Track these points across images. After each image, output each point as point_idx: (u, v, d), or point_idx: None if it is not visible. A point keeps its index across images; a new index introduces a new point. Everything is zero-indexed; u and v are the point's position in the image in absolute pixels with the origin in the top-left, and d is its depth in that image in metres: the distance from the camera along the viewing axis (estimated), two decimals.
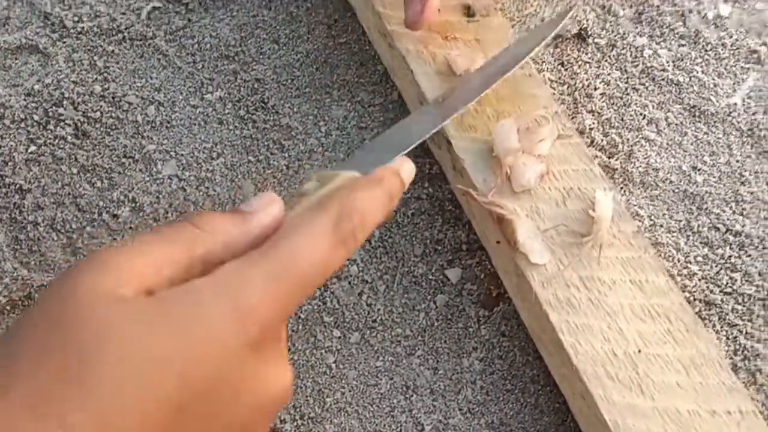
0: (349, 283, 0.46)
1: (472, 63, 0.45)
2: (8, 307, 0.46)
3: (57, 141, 0.50)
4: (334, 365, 0.44)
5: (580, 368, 0.37)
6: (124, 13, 0.54)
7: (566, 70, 0.51)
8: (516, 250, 0.40)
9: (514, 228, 0.40)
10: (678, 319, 0.39)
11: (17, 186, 0.49)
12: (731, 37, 0.51)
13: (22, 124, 0.51)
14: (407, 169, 0.34)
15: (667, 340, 0.38)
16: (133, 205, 0.48)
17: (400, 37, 0.47)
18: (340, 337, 0.45)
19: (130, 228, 0.48)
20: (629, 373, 0.37)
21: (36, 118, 0.51)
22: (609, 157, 0.48)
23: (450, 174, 0.46)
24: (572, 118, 0.49)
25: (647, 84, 0.50)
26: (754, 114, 0.49)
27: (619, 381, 0.37)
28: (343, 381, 0.44)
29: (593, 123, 0.49)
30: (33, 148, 0.50)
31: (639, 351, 0.38)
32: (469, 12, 0.48)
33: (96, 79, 0.52)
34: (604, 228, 0.40)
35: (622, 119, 0.49)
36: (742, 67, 0.50)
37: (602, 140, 0.48)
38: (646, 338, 0.38)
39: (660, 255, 0.45)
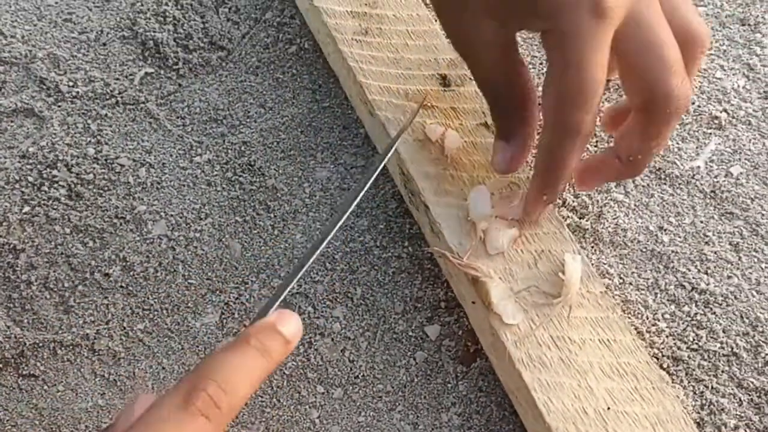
0: (332, 339, 0.48)
1: (445, 130, 0.47)
2: (1, 365, 0.47)
3: (51, 202, 0.52)
4: (317, 420, 0.46)
5: (552, 426, 0.39)
6: (117, 79, 0.57)
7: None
8: (490, 310, 0.42)
9: (488, 289, 0.42)
10: (644, 377, 0.41)
11: (11, 246, 0.51)
12: (694, 104, 0.54)
13: (17, 186, 0.52)
14: (292, 324, 0.33)
15: (635, 397, 0.40)
16: (124, 264, 0.50)
17: (380, 106, 0.50)
18: (323, 393, 0.46)
19: (121, 287, 0.49)
20: (599, 430, 0.39)
21: (30, 179, 0.53)
22: (580, 218, 0.50)
23: (428, 236, 0.48)
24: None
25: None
26: (716, 177, 0.51)
27: None
28: None
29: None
30: (27, 208, 0.52)
31: (608, 408, 0.40)
32: (445, 81, 0.51)
33: (89, 141, 0.54)
34: (573, 290, 0.42)
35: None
36: (704, 132, 0.53)
37: (573, 201, 0.51)
38: (615, 396, 0.40)
39: (629, 312, 0.47)
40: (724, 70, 0.55)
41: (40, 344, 0.48)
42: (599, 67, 0.37)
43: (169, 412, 0.28)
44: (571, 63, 0.36)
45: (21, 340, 0.48)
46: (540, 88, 0.40)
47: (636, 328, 0.47)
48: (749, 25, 0.57)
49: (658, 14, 0.38)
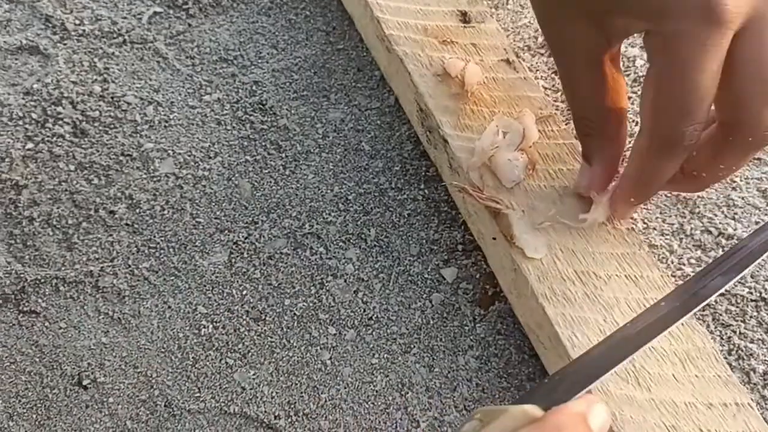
0: (345, 281, 0.46)
1: (466, 65, 0.46)
2: (1, 301, 0.45)
3: (55, 139, 0.50)
4: (329, 362, 0.44)
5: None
6: (125, 17, 0.55)
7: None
8: (512, 244, 0.41)
9: (510, 222, 0.41)
10: None
11: (13, 182, 0.49)
12: None
13: (20, 122, 0.51)
14: (598, 414, 0.27)
15: (663, 333, 0.39)
16: (130, 202, 0.48)
17: (397, 41, 0.48)
18: (335, 334, 0.45)
19: (126, 224, 0.48)
20: (626, 365, 0.37)
21: (34, 116, 0.51)
22: None
23: (446, 173, 0.46)
24: (567, 123, 0.49)
25: (639, 92, 0.51)
26: None
27: (616, 373, 0.37)
28: (339, 378, 0.43)
29: None
30: (30, 145, 0.50)
31: None
32: (465, 18, 0.49)
33: (95, 79, 0.52)
34: (601, 209, 0.40)
35: None
36: None
37: None
38: None
39: (655, 256, 0.45)
40: None
41: (42, 280, 0.46)
42: (708, 76, 0.33)
43: None
44: (676, 68, 0.33)
45: (22, 276, 0.46)
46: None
47: (661, 273, 0.45)
48: None
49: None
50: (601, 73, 0.37)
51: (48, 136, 0.50)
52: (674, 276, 0.45)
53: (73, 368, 0.44)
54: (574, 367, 0.31)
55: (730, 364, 0.42)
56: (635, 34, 0.38)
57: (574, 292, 0.39)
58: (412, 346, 0.44)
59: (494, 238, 0.42)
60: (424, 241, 0.47)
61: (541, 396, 0.28)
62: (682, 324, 0.39)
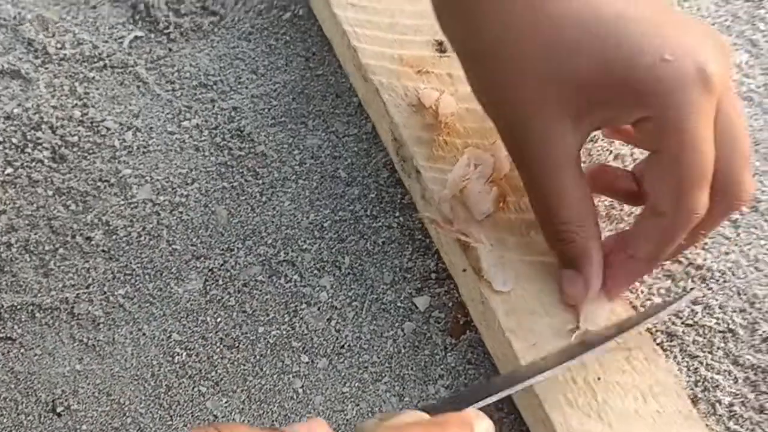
0: (318, 308, 0.47)
1: (440, 95, 0.46)
2: None
3: (34, 164, 0.51)
4: (301, 390, 0.44)
5: (541, 395, 0.38)
6: (106, 41, 0.56)
7: None
8: (481, 277, 0.41)
9: (479, 256, 0.41)
10: (638, 348, 0.40)
11: None
12: None
13: (0, 147, 0.51)
14: (484, 424, 0.31)
15: (627, 368, 0.39)
16: (107, 228, 0.49)
17: (374, 70, 0.48)
18: (308, 363, 0.45)
19: (103, 251, 0.48)
20: (589, 400, 0.38)
21: (14, 141, 0.51)
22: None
23: (419, 203, 0.47)
24: None
25: None
26: None
27: (579, 408, 0.38)
28: (310, 406, 0.44)
29: None
30: (9, 170, 0.50)
31: (599, 378, 0.39)
32: (441, 47, 0.49)
33: (76, 104, 0.53)
34: (594, 311, 0.41)
35: (589, 154, 0.50)
36: None
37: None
38: (606, 366, 0.39)
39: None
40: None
41: (18, 307, 0.46)
42: (711, 144, 0.35)
43: None
44: (688, 144, 0.34)
45: None
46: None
47: (630, 303, 0.45)
48: (753, 0, 0.56)
49: (738, 102, 0.37)
50: (579, 172, 0.38)
51: (27, 162, 0.51)
52: (643, 306, 0.45)
53: (48, 395, 0.44)
54: (474, 387, 0.35)
55: (696, 396, 0.43)
56: None
57: (540, 325, 0.40)
58: (383, 374, 0.45)
59: (464, 270, 0.43)
60: (397, 269, 0.48)
61: (441, 408, 0.33)
62: (646, 359, 0.39)
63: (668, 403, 0.38)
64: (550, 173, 0.37)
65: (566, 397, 0.38)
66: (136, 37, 0.56)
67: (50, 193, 0.50)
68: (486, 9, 0.36)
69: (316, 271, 0.48)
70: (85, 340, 0.46)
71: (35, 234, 0.49)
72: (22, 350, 0.45)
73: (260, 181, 0.50)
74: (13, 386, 0.44)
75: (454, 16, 0.38)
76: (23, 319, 0.46)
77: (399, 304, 0.47)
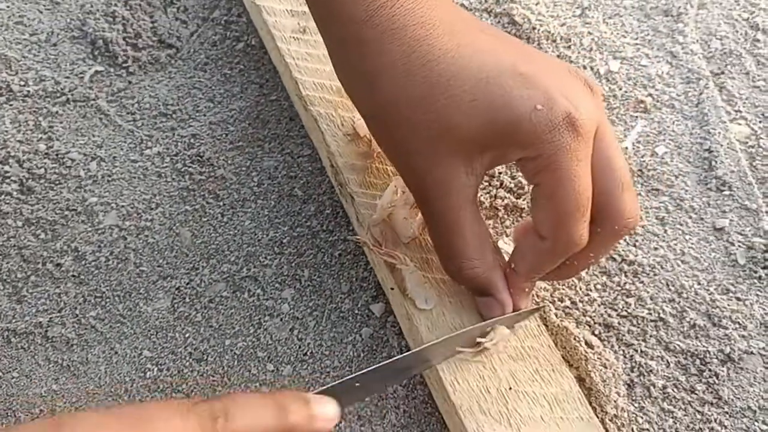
0: (281, 320, 0.49)
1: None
2: None
3: (2, 196, 0.53)
4: None
5: (457, 403, 0.42)
6: (68, 77, 0.58)
7: None
8: (406, 296, 0.45)
9: (403, 276, 0.45)
10: (546, 360, 0.44)
11: None
12: (621, 89, 0.57)
13: None
14: (327, 406, 0.35)
15: (536, 378, 0.43)
16: (76, 254, 0.51)
17: (313, 101, 0.52)
18: (273, 371, 0.48)
19: (73, 276, 0.51)
20: (500, 408, 0.42)
21: None
22: (516, 198, 0.53)
23: (355, 225, 0.50)
24: None
25: None
26: (642, 157, 0.55)
27: (491, 416, 0.41)
28: None
29: (502, 168, 0.54)
30: None
31: (510, 388, 0.42)
32: None
33: (41, 138, 0.55)
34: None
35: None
36: (631, 115, 0.56)
37: (510, 182, 0.53)
38: (517, 377, 0.43)
39: (563, 284, 0.50)
40: (649, 58, 0.59)
41: None
42: (587, 179, 0.39)
43: (173, 405, 0.31)
44: (562, 180, 0.38)
45: None
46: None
47: (570, 299, 0.49)
48: (672, 15, 0.61)
49: (612, 133, 0.41)
50: (475, 209, 0.41)
51: None
52: (582, 301, 0.49)
53: (26, 416, 0.46)
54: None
55: (632, 380, 0.47)
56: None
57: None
58: (344, 377, 0.48)
59: (392, 288, 0.46)
60: (354, 278, 0.51)
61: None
62: (553, 371, 0.43)
63: (571, 409, 0.42)
64: (448, 215, 0.41)
65: (480, 406, 0.42)
66: (96, 72, 0.59)
67: (20, 223, 0.52)
68: (381, 72, 0.39)
69: (277, 285, 0.51)
70: (60, 361, 0.48)
71: (7, 263, 0.51)
72: (0, 374, 0.48)
73: (221, 203, 0.53)
74: None
75: (352, 78, 0.42)
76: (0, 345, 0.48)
77: (356, 312, 0.50)
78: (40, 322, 0.49)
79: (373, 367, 0.40)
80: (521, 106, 0.37)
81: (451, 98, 0.38)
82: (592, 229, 0.41)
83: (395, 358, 0.42)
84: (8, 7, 0.62)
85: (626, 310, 0.49)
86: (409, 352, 0.42)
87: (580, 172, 0.38)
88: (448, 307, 0.45)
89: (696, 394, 0.46)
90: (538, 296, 0.49)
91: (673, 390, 0.47)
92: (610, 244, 0.42)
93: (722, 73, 0.58)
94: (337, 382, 0.38)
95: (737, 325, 0.48)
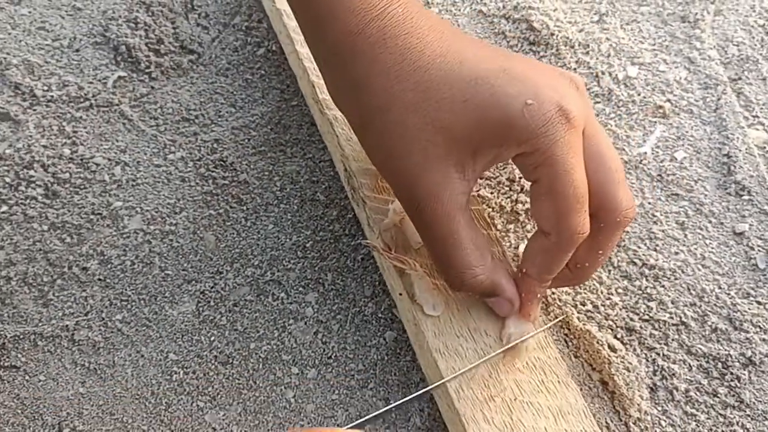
0: (305, 323, 0.50)
1: None
2: None
3: (28, 201, 0.53)
4: (293, 400, 0.48)
5: (461, 411, 0.42)
6: (91, 82, 0.59)
7: None
8: (413, 302, 0.45)
9: (412, 282, 0.45)
10: (552, 372, 0.44)
11: None
12: (639, 94, 0.58)
13: None
14: None
15: (541, 389, 0.43)
16: (102, 258, 0.52)
17: (329, 105, 0.52)
18: (298, 374, 0.48)
19: (99, 280, 0.51)
20: (504, 417, 0.42)
21: (7, 180, 0.54)
22: None
23: (366, 229, 0.51)
24: (503, 168, 0.54)
25: None
26: (662, 161, 0.55)
27: (495, 425, 0.42)
28: (302, 414, 0.47)
29: None
30: (5, 208, 0.53)
31: (515, 399, 0.43)
32: None
33: (65, 143, 0.56)
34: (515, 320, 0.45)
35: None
36: (650, 120, 0.57)
37: (528, 185, 0.54)
38: (522, 387, 0.43)
39: (585, 288, 0.50)
40: (667, 64, 0.59)
41: (21, 336, 0.49)
42: (582, 170, 0.40)
43: None
44: (560, 172, 0.39)
45: (1, 333, 0.49)
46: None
47: (591, 302, 0.50)
48: (689, 22, 0.61)
49: (601, 129, 0.42)
50: (469, 217, 0.42)
51: (21, 199, 0.53)
52: (604, 305, 0.50)
53: (54, 418, 0.47)
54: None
55: (655, 384, 0.47)
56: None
57: (465, 347, 0.44)
58: (369, 381, 0.48)
59: (400, 294, 0.47)
60: (377, 282, 0.51)
61: None
62: (559, 382, 0.44)
63: (575, 422, 0.43)
64: (442, 223, 0.41)
65: (484, 414, 0.42)
66: (119, 77, 0.59)
67: (45, 227, 0.53)
68: (372, 79, 0.40)
69: (301, 289, 0.51)
70: (86, 364, 0.48)
71: (33, 267, 0.51)
72: (27, 377, 0.48)
73: (244, 207, 0.54)
74: (20, 411, 0.47)
75: (343, 89, 0.42)
76: (26, 348, 0.49)
77: (380, 315, 0.50)
78: (67, 326, 0.49)
79: (400, 401, 0.41)
80: (512, 102, 0.38)
81: (442, 101, 0.39)
82: (595, 225, 0.41)
83: (425, 390, 0.43)
84: (30, 12, 0.63)
85: (648, 314, 0.49)
86: (432, 386, 0.44)
87: (575, 163, 0.39)
88: (455, 314, 0.45)
89: (718, 397, 0.47)
90: (560, 300, 0.50)
91: (695, 393, 0.47)
92: (614, 237, 0.43)
93: (739, 78, 0.59)
94: (364, 419, 0.41)
95: (758, 329, 0.49)
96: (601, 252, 0.43)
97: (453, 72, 0.39)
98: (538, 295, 0.44)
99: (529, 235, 0.52)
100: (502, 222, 0.51)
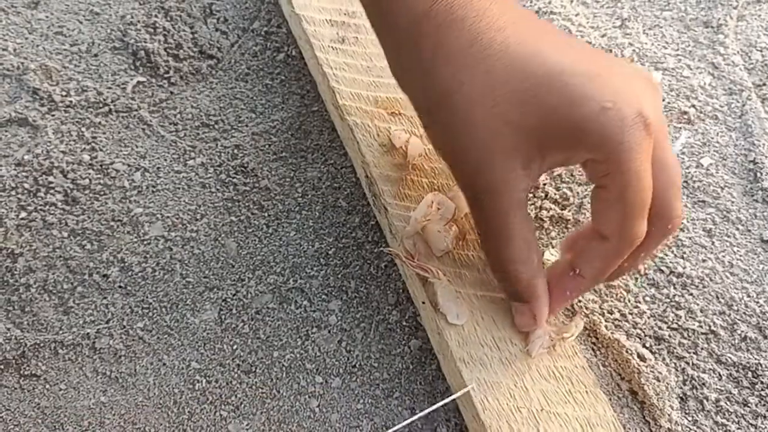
0: (329, 331, 0.49)
1: (410, 137, 0.49)
2: (2, 366, 0.48)
3: (47, 207, 0.53)
4: (317, 409, 0.47)
5: (486, 423, 0.41)
6: (110, 88, 0.58)
7: None
8: (437, 310, 0.44)
9: (435, 290, 0.44)
10: (579, 381, 0.43)
11: (9, 250, 0.51)
12: (664, 100, 0.57)
13: (13, 192, 0.53)
14: None
15: (568, 400, 0.42)
16: (122, 265, 0.51)
17: (350, 111, 0.52)
18: (322, 383, 0.48)
19: (120, 287, 0.50)
20: (530, 429, 0.41)
21: (26, 186, 0.54)
22: (561, 209, 0.52)
23: (388, 237, 0.50)
24: None
25: None
26: (687, 168, 0.54)
27: None
28: (327, 424, 0.46)
29: (546, 179, 0.54)
30: (24, 214, 0.53)
31: (542, 409, 0.42)
32: None
33: (84, 148, 0.55)
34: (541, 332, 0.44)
35: (572, 175, 0.54)
36: (674, 126, 0.56)
37: (555, 194, 0.53)
38: (549, 397, 0.42)
39: (612, 296, 0.49)
40: (691, 69, 0.59)
41: (41, 345, 0.48)
42: (650, 177, 0.38)
43: None
44: (632, 182, 0.37)
45: (21, 341, 0.48)
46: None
47: (619, 311, 0.49)
48: (712, 27, 0.61)
49: (667, 131, 0.40)
50: (525, 213, 0.41)
51: (41, 205, 0.53)
52: (631, 314, 0.49)
53: (75, 428, 0.46)
54: None
55: (684, 394, 0.47)
56: None
57: (491, 357, 0.43)
58: (394, 390, 0.47)
59: (423, 302, 0.46)
60: (400, 290, 0.51)
61: None
62: (587, 392, 0.43)
63: None
64: (499, 217, 0.40)
65: (510, 426, 0.41)
66: (139, 83, 0.59)
67: (65, 234, 0.52)
68: (439, 63, 0.38)
69: (324, 296, 0.50)
70: (108, 373, 0.48)
71: (53, 274, 0.51)
72: (48, 386, 0.47)
73: (266, 214, 0.53)
74: (40, 421, 0.46)
75: (409, 72, 0.41)
76: (47, 356, 0.48)
77: (404, 323, 0.50)
78: (88, 334, 0.49)
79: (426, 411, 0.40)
80: (588, 105, 0.36)
81: (510, 94, 0.37)
82: (648, 229, 0.40)
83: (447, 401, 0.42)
84: (47, 17, 0.62)
85: (676, 323, 0.49)
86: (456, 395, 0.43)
87: (647, 171, 0.38)
88: (480, 323, 0.44)
89: (749, 407, 0.46)
90: (587, 308, 0.49)
91: (726, 403, 0.46)
92: (660, 243, 0.42)
93: (764, 84, 0.58)
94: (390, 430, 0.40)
95: None
96: (644, 255, 0.42)
97: (526, 64, 0.37)
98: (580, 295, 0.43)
99: (555, 242, 0.51)
100: None
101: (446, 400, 0.42)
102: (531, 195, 0.53)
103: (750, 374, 0.47)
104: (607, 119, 0.36)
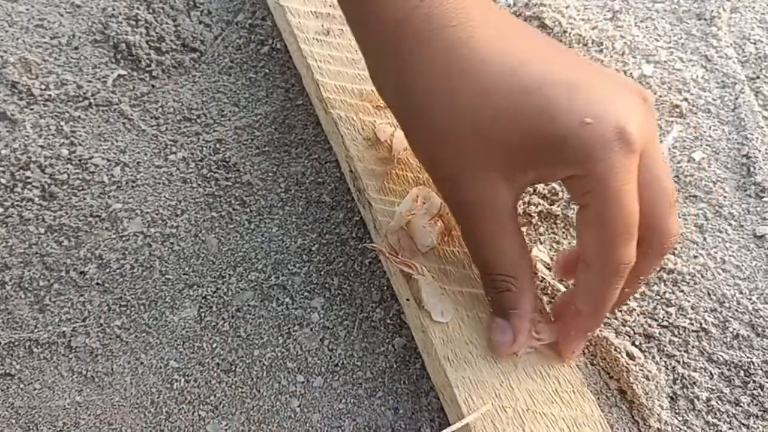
0: (311, 329, 0.48)
1: (395, 131, 0.48)
2: None
3: (24, 203, 0.52)
4: (298, 409, 0.46)
5: (471, 423, 0.40)
6: (90, 81, 0.57)
7: None
8: (421, 307, 0.43)
9: (419, 287, 0.43)
10: (566, 381, 0.42)
11: None
12: (655, 93, 0.56)
13: None
14: None
15: (555, 399, 0.41)
16: (100, 261, 0.50)
17: (334, 104, 0.50)
18: (303, 382, 0.47)
19: (97, 284, 0.49)
20: (516, 429, 0.40)
21: (3, 181, 0.52)
22: (550, 204, 0.51)
23: (372, 232, 0.49)
24: None
25: None
26: (679, 162, 0.53)
27: None
28: (308, 424, 0.45)
29: None
30: (0, 210, 0.51)
31: (527, 409, 0.41)
32: None
33: (63, 143, 0.54)
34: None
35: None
36: (666, 120, 0.55)
37: (544, 189, 0.52)
38: (535, 397, 0.41)
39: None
40: (683, 62, 0.58)
41: (15, 343, 0.47)
42: (635, 197, 0.36)
43: None
44: (612, 201, 0.35)
45: None
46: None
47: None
48: (705, 19, 0.60)
49: (659, 147, 0.38)
50: (514, 225, 0.39)
51: (17, 201, 0.52)
52: (621, 311, 0.48)
53: (49, 428, 0.45)
54: None
55: (675, 393, 0.45)
56: None
57: (475, 355, 0.42)
58: (377, 389, 0.46)
59: (408, 299, 0.45)
60: (385, 287, 0.50)
61: None
62: (574, 392, 0.41)
63: None
64: (483, 227, 0.39)
65: (495, 426, 0.40)
66: (119, 76, 0.57)
67: (42, 230, 0.51)
68: (419, 70, 0.37)
69: (306, 294, 0.49)
70: (83, 372, 0.47)
71: (29, 271, 0.49)
72: (22, 385, 0.46)
73: (248, 210, 0.52)
74: (14, 421, 0.45)
75: (388, 76, 0.39)
76: (21, 355, 0.47)
77: (388, 321, 0.48)
78: (64, 332, 0.48)
79: None
80: (568, 119, 0.35)
81: (491, 110, 0.36)
82: (640, 249, 0.38)
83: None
84: (28, 10, 0.61)
85: (667, 320, 0.47)
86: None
87: (629, 191, 0.36)
88: (464, 320, 0.43)
89: (741, 406, 0.45)
90: None
91: (717, 402, 0.45)
92: (657, 263, 0.40)
93: (757, 77, 0.57)
94: None
95: None
96: (642, 278, 0.40)
97: (508, 77, 0.36)
98: (588, 333, 0.41)
99: (543, 238, 0.50)
100: None
101: (457, 425, 0.40)
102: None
103: (742, 373, 0.46)
104: (586, 135, 0.35)
